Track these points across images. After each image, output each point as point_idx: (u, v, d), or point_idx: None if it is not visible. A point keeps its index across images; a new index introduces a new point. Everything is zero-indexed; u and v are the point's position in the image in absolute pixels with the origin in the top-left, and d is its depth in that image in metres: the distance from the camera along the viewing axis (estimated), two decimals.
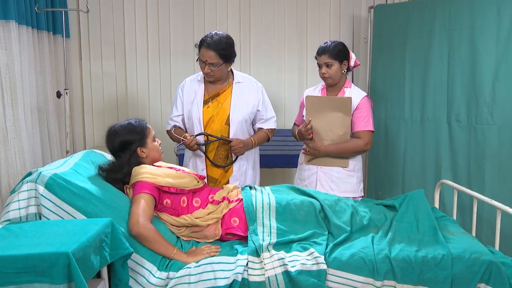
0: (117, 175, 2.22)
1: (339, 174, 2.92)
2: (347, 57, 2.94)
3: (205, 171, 2.85)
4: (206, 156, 2.82)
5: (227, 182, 2.85)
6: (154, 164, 2.36)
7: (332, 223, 2.22)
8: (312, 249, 2.00)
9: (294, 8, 4.10)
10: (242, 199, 2.29)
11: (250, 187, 2.43)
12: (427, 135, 3.57)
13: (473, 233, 2.49)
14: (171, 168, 2.39)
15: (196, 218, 2.18)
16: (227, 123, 2.82)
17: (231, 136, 2.81)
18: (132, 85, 4.06)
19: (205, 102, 2.85)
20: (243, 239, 2.18)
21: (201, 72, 2.85)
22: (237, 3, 4.05)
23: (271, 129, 3.00)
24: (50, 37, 3.48)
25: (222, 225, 2.21)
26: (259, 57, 4.13)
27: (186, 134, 2.74)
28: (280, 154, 3.62)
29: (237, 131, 2.83)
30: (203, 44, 2.71)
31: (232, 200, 2.29)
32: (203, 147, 2.81)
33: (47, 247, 1.47)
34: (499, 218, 2.25)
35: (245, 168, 2.92)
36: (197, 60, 2.78)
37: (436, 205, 2.82)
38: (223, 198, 2.29)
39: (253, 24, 4.09)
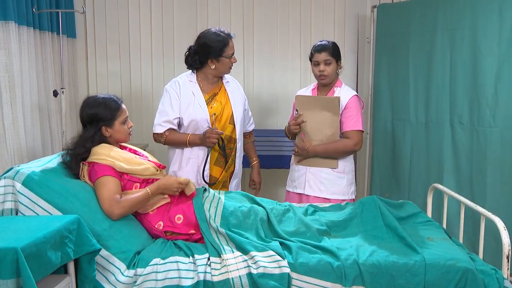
0: (80, 150, 2.22)
1: (328, 175, 2.87)
2: (340, 57, 2.92)
3: (207, 171, 2.82)
4: (224, 153, 2.80)
5: (230, 178, 2.87)
6: (120, 144, 2.37)
7: (278, 233, 2.18)
8: (270, 251, 1.97)
9: (297, 8, 4.06)
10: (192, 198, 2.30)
11: (205, 189, 2.41)
12: (431, 137, 3.49)
13: (460, 239, 2.42)
14: (134, 151, 2.40)
15: None
16: (231, 122, 2.84)
17: (237, 136, 2.84)
18: (136, 84, 4.12)
19: (207, 103, 2.82)
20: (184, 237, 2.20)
21: (187, 73, 2.87)
22: (241, 3, 4.05)
23: (251, 132, 3.11)
24: (53, 38, 3.56)
25: (165, 220, 2.21)
26: (262, 57, 4.11)
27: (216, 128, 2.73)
28: (276, 154, 3.58)
29: (240, 130, 2.87)
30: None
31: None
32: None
33: None
34: (483, 224, 2.18)
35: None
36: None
37: (429, 209, 2.74)
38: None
39: (256, 24, 4.08)
